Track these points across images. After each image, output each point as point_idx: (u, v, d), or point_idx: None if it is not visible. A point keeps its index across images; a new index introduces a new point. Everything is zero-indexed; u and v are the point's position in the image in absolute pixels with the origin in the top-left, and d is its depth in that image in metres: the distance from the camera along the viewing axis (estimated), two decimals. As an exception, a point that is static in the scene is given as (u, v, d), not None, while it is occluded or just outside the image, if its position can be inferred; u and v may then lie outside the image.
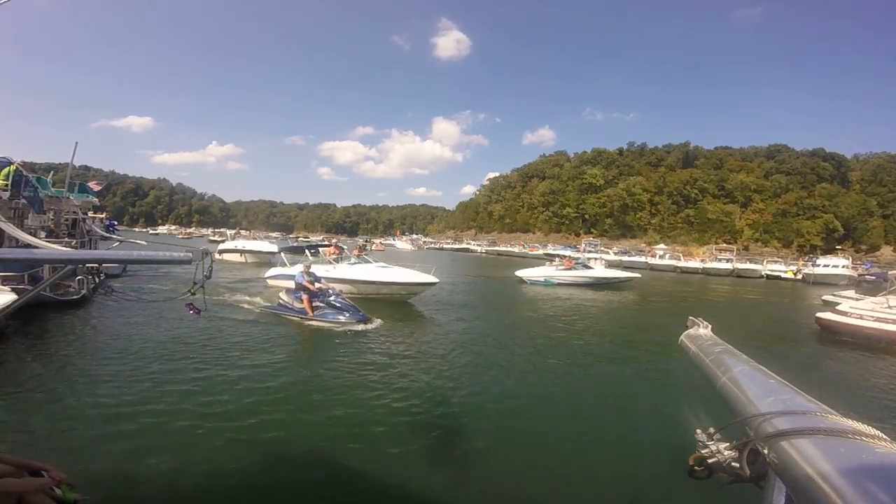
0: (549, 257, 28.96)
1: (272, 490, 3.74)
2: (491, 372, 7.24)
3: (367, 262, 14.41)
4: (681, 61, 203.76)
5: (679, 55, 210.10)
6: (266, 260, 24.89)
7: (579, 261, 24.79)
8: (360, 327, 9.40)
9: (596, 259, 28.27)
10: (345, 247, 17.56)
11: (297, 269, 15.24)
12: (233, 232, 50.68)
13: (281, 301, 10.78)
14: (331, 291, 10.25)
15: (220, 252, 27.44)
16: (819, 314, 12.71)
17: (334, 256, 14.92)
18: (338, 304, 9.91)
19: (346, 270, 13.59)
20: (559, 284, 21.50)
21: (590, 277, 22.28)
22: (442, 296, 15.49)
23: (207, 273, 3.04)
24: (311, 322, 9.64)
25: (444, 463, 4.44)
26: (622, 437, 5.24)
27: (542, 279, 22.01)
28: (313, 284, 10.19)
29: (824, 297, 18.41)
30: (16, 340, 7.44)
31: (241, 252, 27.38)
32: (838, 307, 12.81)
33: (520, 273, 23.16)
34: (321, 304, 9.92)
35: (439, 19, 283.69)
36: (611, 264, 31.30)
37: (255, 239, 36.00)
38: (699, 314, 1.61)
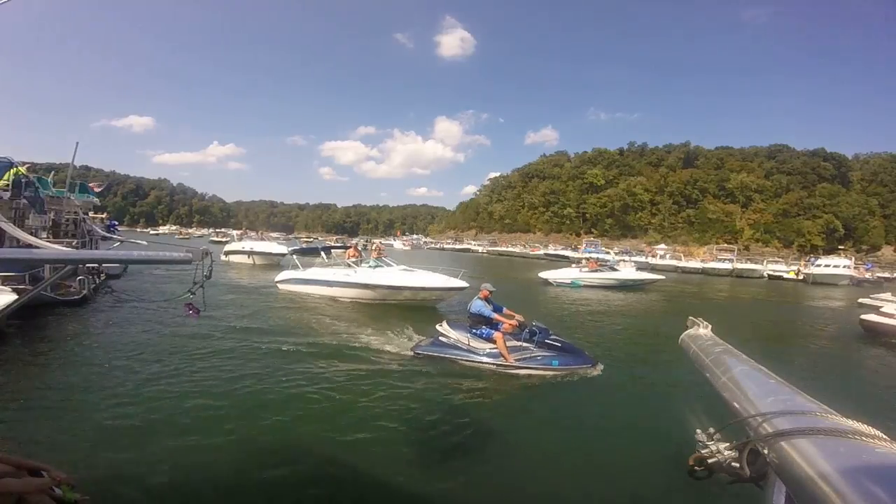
0: (551, 257, 29.04)
1: (275, 490, 3.75)
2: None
3: (388, 264, 13.35)
4: (683, 61, 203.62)
5: (682, 55, 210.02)
6: (275, 262, 24.02)
7: (608, 263, 24.85)
8: (586, 374, 6.99)
9: (626, 262, 28.43)
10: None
11: (320, 273, 13.64)
12: (239, 232, 47.40)
13: (445, 338, 7.63)
14: (535, 325, 7.37)
15: (227, 253, 26.38)
16: (864, 316, 12.80)
17: (354, 259, 13.73)
18: (557, 343, 7.24)
19: (368, 275, 12.66)
20: (585, 286, 21.42)
21: (616, 279, 22.26)
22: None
23: (207, 273, 3.05)
24: (516, 370, 6.92)
25: (444, 459, 4.44)
26: (622, 437, 5.23)
27: (568, 281, 21.89)
28: (501, 316, 7.34)
29: (861, 300, 18.42)
30: (16, 340, 7.45)
31: (249, 253, 25.87)
32: (882, 309, 12.89)
33: (544, 275, 22.96)
34: (523, 344, 7.12)
35: (443, 17, 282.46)
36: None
37: (262, 239, 34.01)
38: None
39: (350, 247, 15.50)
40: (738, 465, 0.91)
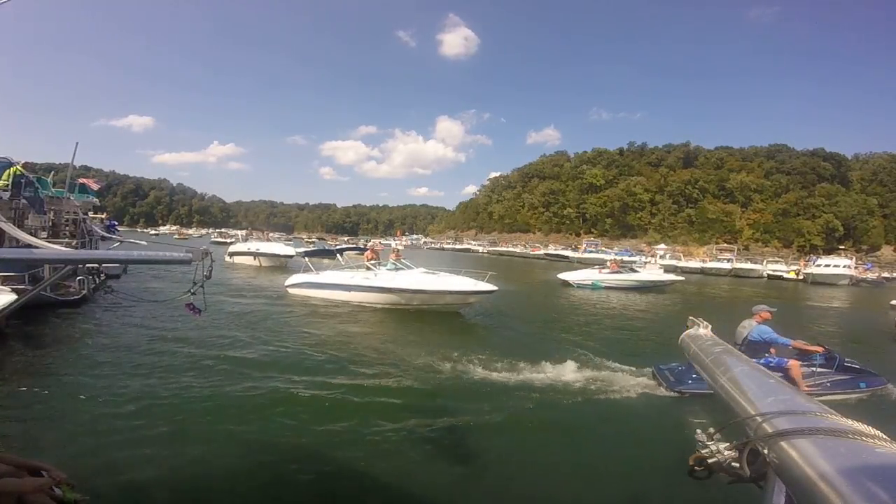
0: (551, 257, 29.01)
1: (274, 491, 3.75)
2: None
3: (409, 267, 12.71)
4: (685, 62, 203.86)
5: (683, 55, 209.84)
6: (281, 264, 23.36)
7: (629, 264, 24.82)
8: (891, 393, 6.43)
9: (652, 264, 28.31)
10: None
11: (336, 277, 12.87)
12: (244, 232, 45.23)
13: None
14: (829, 350, 6.61)
15: (231, 255, 25.51)
16: None
17: (372, 262, 12.90)
18: (855, 365, 6.59)
19: (391, 278, 11.97)
20: (606, 288, 21.29)
21: (636, 281, 22.17)
22: (510, 308, 13.68)
23: (207, 273, 3.06)
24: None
25: (447, 457, 4.44)
26: (622, 437, 5.23)
27: (588, 283, 21.74)
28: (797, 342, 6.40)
29: (893, 302, 18.39)
30: (16, 341, 7.43)
31: (255, 255, 24.77)
32: None
33: (564, 276, 22.75)
34: (817, 370, 6.37)
35: (447, 15, 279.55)
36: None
37: (268, 240, 32.71)
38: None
39: (367, 248, 14.57)
40: (738, 465, 0.91)
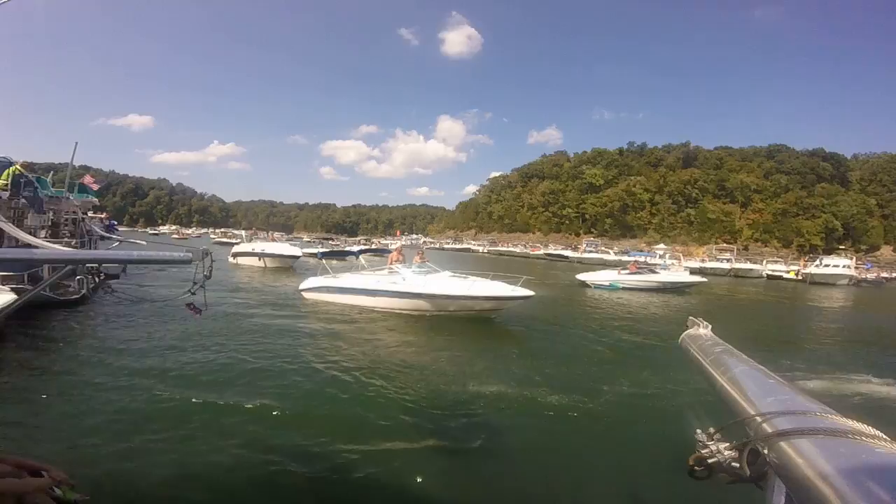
0: (551, 257, 28.92)
1: (274, 491, 3.75)
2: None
3: (435, 270, 11.90)
4: (686, 62, 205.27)
5: (684, 56, 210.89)
6: (287, 265, 22.84)
7: (650, 265, 25.07)
8: None
9: (676, 265, 28.24)
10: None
11: (358, 280, 11.73)
12: (249, 232, 43.93)
13: None
14: None
15: (235, 255, 24.91)
16: None
17: (400, 264, 12.10)
18: None
19: (422, 283, 11.08)
20: (624, 289, 21.16)
21: (656, 282, 22.00)
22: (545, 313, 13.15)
23: (207, 273, 3.06)
24: None
25: (442, 457, 4.44)
26: (622, 437, 5.23)
27: (607, 283, 21.66)
28: None
29: None
30: (15, 340, 7.43)
31: (260, 256, 23.90)
32: None
33: (583, 277, 22.67)
34: None
35: (449, 13, 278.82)
36: (607, 264, 31.47)
37: (273, 240, 31.69)
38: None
39: (393, 251, 13.83)
40: (738, 465, 0.91)
